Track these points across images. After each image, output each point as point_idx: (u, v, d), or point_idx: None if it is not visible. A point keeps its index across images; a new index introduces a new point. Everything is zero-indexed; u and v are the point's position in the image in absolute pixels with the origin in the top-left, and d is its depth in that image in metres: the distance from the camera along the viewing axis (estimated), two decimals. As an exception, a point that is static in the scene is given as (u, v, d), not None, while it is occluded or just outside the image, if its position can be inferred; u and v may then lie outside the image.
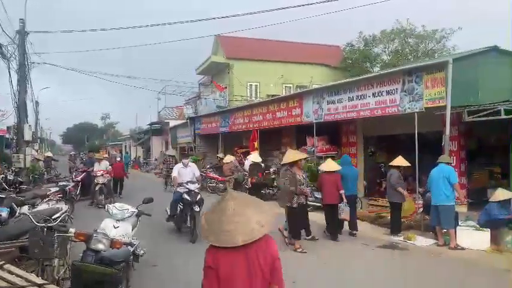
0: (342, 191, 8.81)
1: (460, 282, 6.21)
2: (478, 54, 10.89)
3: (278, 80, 26.58)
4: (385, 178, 11.52)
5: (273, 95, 21.22)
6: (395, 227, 9.24)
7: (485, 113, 9.07)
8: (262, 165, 15.30)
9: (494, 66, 10.66)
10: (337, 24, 50.36)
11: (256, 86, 27.28)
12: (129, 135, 49.81)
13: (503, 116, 8.73)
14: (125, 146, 50.20)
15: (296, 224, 8.10)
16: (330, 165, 9.38)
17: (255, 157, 14.92)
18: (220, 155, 19.15)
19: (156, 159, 34.32)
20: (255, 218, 2.42)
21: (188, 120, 26.65)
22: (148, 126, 38.34)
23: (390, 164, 9.59)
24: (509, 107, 8.65)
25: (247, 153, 17.90)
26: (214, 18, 13.07)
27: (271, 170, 16.12)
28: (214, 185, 17.24)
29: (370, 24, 50.09)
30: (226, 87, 26.26)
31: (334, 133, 15.43)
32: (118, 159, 18.26)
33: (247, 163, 15.80)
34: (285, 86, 27.42)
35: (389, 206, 9.69)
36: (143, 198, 6.48)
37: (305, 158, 8.21)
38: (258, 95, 26.62)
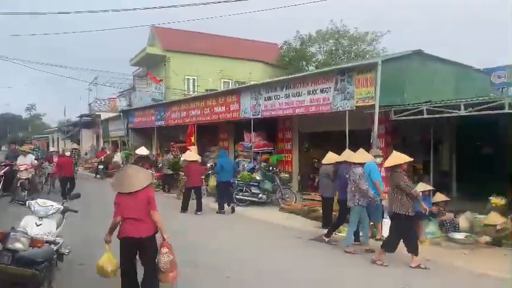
0: (203, 177, 12.10)
1: (381, 270, 6.57)
2: (404, 57, 11.58)
3: (217, 75, 26.41)
4: (318, 173, 11.92)
5: (211, 90, 21.03)
6: (327, 220, 9.58)
7: (409, 112, 9.69)
8: (152, 158, 16.60)
9: (419, 68, 11.42)
10: (275, 22, 51.13)
11: (194, 80, 26.89)
12: (57, 127, 46.80)
13: (425, 116, 9.38)
14: (52, 139, 47.14)
15: (415, 236, 6.98)
16: (189, 155, 12.07)
17: (141, 150, 16.55)
18: (140, 150, 18.12)
19: (86, 154, 32.61)
20: (142, 177, 4.81)
21: (121, 113, 25.61)
22: (78, 118, 36.34)
23: (323, 162, 9.90)
24: (431, 107, 9.31)
25: (183, 148, 17.63)
26: (149, 8, 12.64)
27: (208, 165, 15.99)
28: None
29: (307, 23, 51.52)
30: (162, 80, 25.61)
31: (271, 129, 15.63)
32: (68, 153, 15.17)
33: (183, 159, 15.62)
34: (224, 81, 27.32)
35: (321, 200, 10.03)
36: (70, 194, 6.12)
37: (408, 162, 7.01)
38: (196, 89, 26.28)
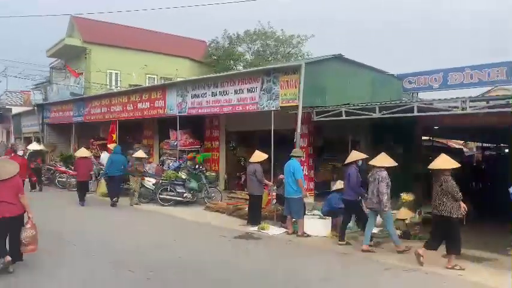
0: (92, 172, 13.20)
1: (301, 265, 6.82)
2: (326, 60, 12.13)
3: (141, 70, 25.55)
4: (244, 172, 12.04)
5: (135, 85, 20.32)
6: (255, 218, 9.66)
7: (330, 113, 10.18)
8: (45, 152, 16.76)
9: (339, 72, 12.01)
10: (204, 19, 50.71)
11: (117, 74, 25.76)
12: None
13: (344, 117, 9.91)
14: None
15: (460, 238, 6.70)
16: (81, 152, 13.08)
17: (33, 145, 16.62)
18: (32, 145, 16.76)
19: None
20: (10, 168, 6.02)
21: (36, 108, 23.73)
22: (-16, 112, 33.04)
23: (250, 160, 10.02)
24: (349, 109, 9.85)
25: (104, 146, 16.82)
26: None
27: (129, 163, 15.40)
28: (64, 179, 15.74)
29: (235, 22, 51.69)
30: (82, 74, 24.19)
31: (197, 127, 15.48)
32: (20, 152, 12.96)
33: (103, 156, 14.95)
34: (149, 77, 26.54)
35: (248, 198, 10.13)
36: None
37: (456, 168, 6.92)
38: (119, 84, 25.20)
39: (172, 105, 14.18)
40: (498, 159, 19.64)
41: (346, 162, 8.45)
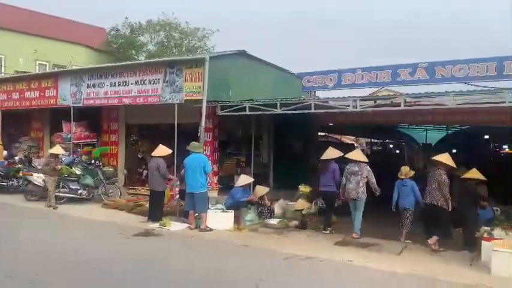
0: None
1: (201, 260, 6.80)
2: (231, 55, 12.25)
3: (31, 56, 23.31)
4: (146, 167, 11.62)
5: (23, 72, 18.47)
6: (156, 214, 9.37)
7: (234, 108, 10.30)
8: None
9: (243, 68, 12.20)
10: (104, 6, 47.77)
11: (0, 59, 23.17)
12: None
13: (248, 112, 10.11)
14: None
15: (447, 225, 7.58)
16: None
17: None
18: None
19: None
20: None
21: None
22: None
23: (153, 154, 9.66)
24: (253, 105, 10.06)
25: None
26: None
27: (17, 158, 13.97)
28: None
29: (138, 11, 49.46)
30: (-44, 56, 21.26)
31: (94, 119, 14.53)
32: None
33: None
34: (39, 64, 24.37)
35: (149, 195, 9.77)
36: None
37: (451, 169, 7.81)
38: (3, 70, 22.67)
39: (66, 95, 13.14)
40: (385, 155, 21.80)
41: (324, 158, 8.93)
